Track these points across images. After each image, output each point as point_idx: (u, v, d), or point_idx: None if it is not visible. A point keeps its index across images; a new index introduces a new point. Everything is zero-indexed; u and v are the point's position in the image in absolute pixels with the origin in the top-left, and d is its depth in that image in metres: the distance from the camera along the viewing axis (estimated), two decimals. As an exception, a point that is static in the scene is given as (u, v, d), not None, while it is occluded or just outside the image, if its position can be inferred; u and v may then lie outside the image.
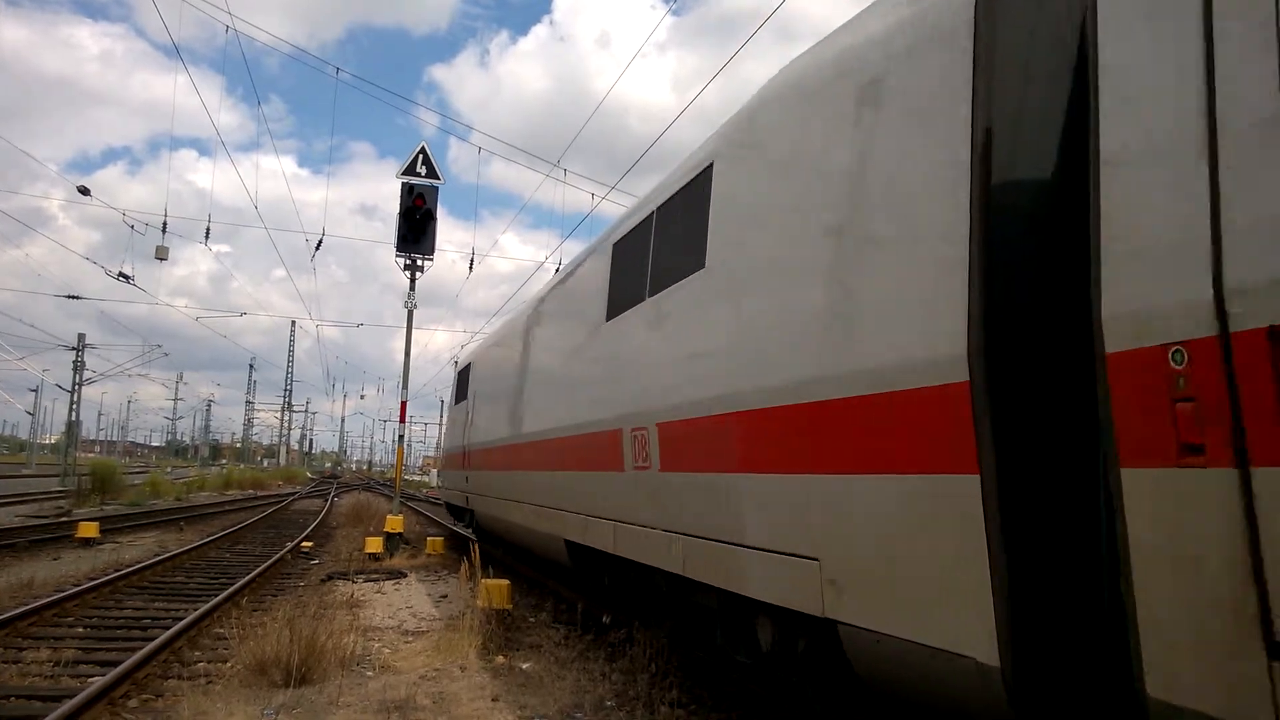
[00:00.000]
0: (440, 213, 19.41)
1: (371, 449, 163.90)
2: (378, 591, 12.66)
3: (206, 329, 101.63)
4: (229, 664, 7.88)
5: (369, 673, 7.74)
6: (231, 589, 11.54)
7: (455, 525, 22.76)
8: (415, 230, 18.59)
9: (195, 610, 9.93)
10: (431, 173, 18.85)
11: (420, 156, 18.94)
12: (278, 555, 15.96)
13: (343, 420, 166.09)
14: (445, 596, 12.19)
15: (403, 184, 18.67)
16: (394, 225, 18.95)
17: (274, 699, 6.69)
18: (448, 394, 23.81)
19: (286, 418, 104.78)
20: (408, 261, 18.92)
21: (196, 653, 8.56)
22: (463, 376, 18.23)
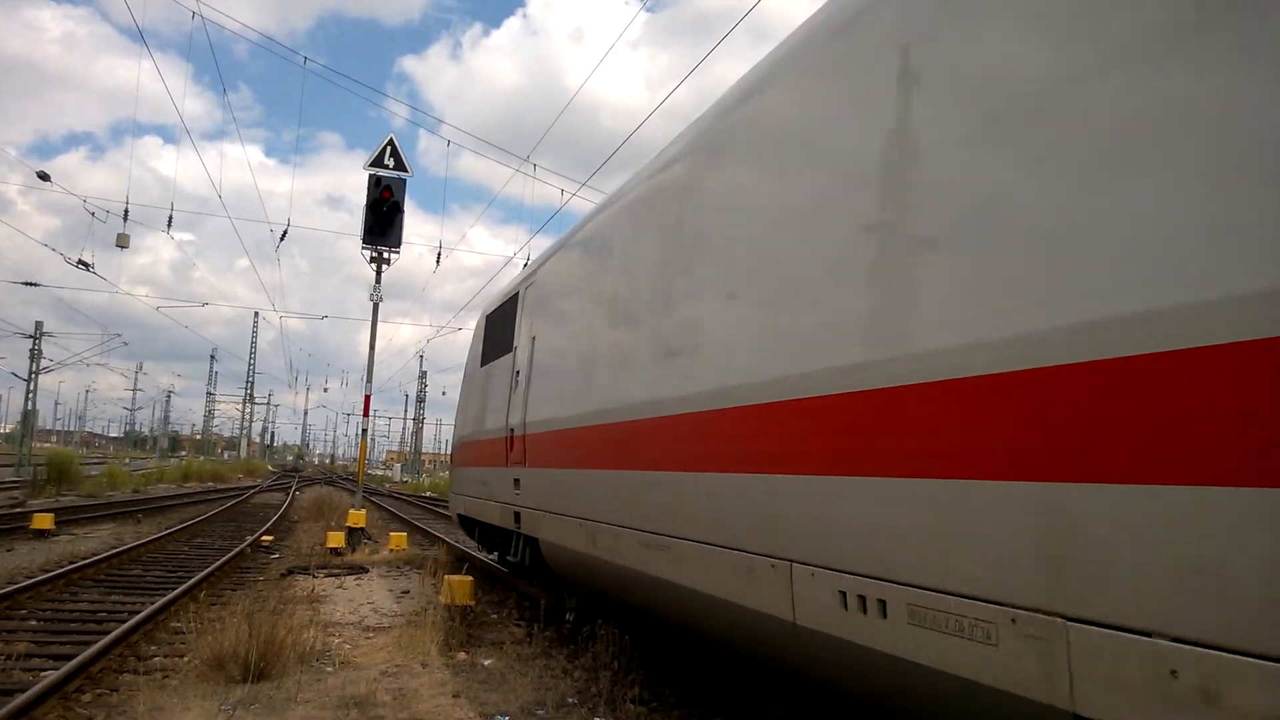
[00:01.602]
0: (408, 205, 19.30)
1: (334, 443, 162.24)
2: (339, 587, 12.55)
3: (167, 319, 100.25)
4: (186, 659, 7.78)
5: (329, 668, 7.68)
6: (189, 583, 11.39)
7: (484, 555, 14.97)
8: (382, 222, 18.46)
9: (152, 604, 9.79)
10: (400, 165, 18.72)
11: (388, 148, 18.80)
12: (237, 549, 15.76)
13: (305, 413, 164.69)
14: (407, 592, 12.11)
15: (370, 175, 18.53)
16: (361, 217, 18.77)
17: (232, 694, 6.62)
18: (458, 373, 21.86)
19: (248, 410, 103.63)
20: (374, 254, 18.78)
21: (153, 647, 8.44)
22: (503, 316, 11.13)
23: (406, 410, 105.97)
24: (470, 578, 10.07)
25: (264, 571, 13.97)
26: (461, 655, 8.16)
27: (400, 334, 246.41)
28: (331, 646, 8.48)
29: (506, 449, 9.94)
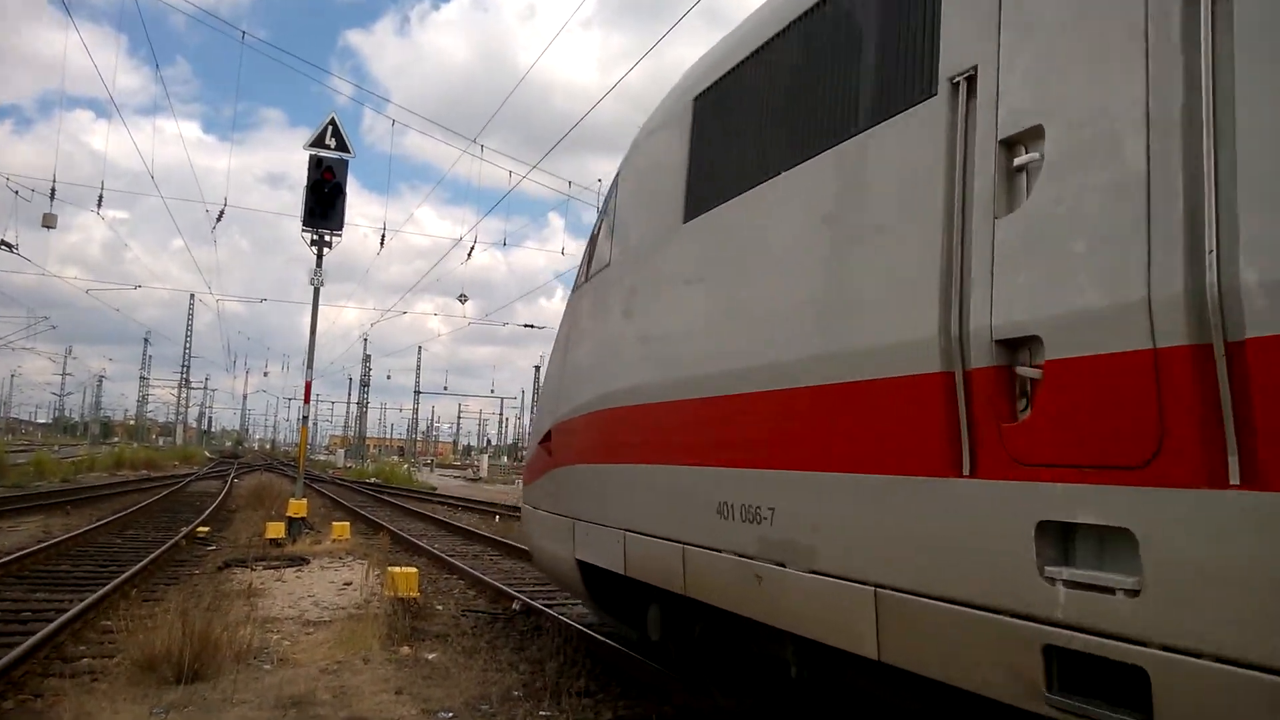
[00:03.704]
0: (352, 184, 18.82)
1: (275, 427, 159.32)
2: (278, 580, 12.25)
3: (98, 301, 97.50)
4: (116, 660, 7.50)
5: (267, 666, 7.46)
6: (120, 578, 11.02)
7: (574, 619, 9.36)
8: (323, 205, 17.95)
9: (80, 601, 9.44)
10: (342, 145, 18.23)
11: (330, 128, 18.30)
12: (172, 541, 15.34)
13: (245, 397, 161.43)
14: (349, 584, 11.87)
15: (311, 156, 18.04)
16: (302, 196, 18.25)
17: (164, 697, 6.39)
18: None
19: (184, 395, 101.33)
20: (315, 237, 18.30)
21: (81, 647, 8.13)
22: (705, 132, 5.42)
23: (350, 394, 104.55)
24: (415, 569, 9.90)
25: (200, 565, 13.60)
26: (405, 649, 8.00)
27: (344, 316, 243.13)
28: (270, 643, 8.26)
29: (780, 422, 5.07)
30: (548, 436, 7.56)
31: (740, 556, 4.36)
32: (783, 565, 4.01)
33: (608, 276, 6.62)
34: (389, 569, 9.84)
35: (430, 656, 7.81)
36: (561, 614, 9.73)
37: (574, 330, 7.53)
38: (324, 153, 17.94)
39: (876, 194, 3.75)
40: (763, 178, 4.57)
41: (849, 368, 3.69)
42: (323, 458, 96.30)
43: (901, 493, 3.39)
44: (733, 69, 5.11)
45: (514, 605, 10.26)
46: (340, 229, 18.28)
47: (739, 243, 4.78)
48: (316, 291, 18.33)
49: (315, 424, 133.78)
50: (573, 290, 7.89)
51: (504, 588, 11.18)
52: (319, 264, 18.16)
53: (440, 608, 10.28)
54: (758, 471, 4.28)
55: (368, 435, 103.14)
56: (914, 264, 3.41)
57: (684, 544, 4.88)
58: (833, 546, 3.76)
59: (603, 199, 7.40)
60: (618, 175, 6.90)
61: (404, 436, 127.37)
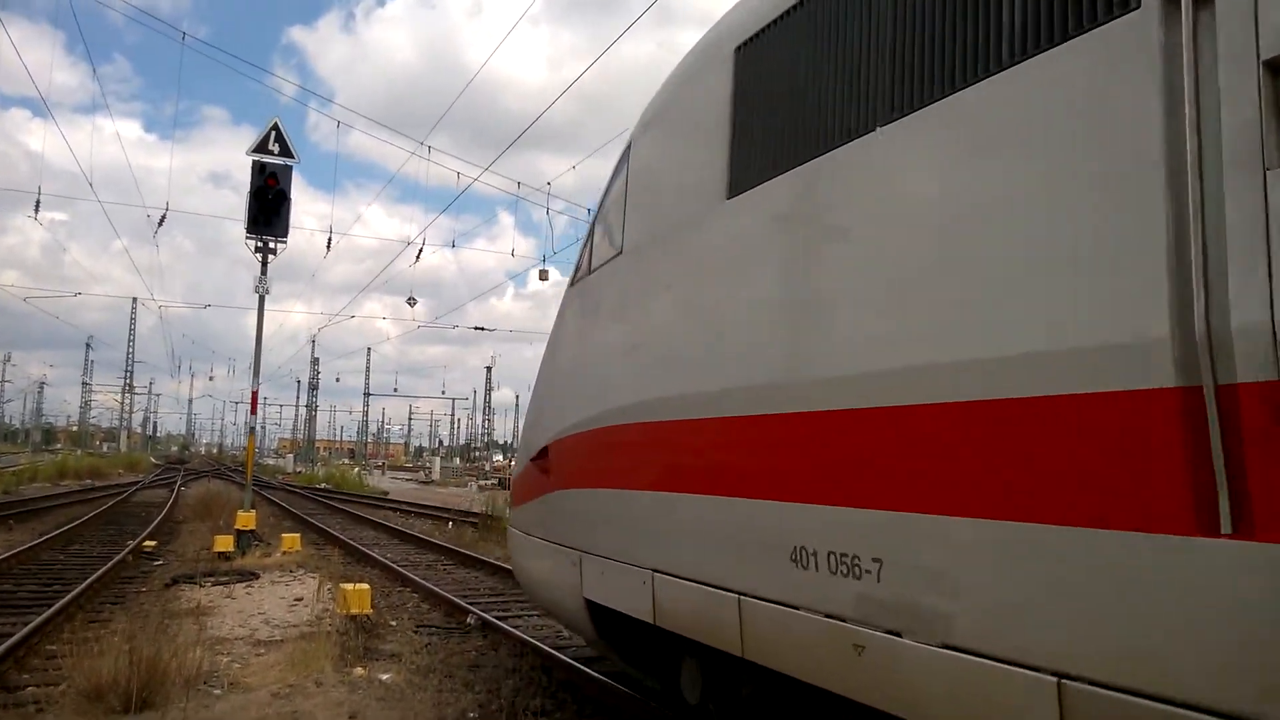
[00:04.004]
0: (299, 183, 18.66)
1: (222, 432, 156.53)
2: (228, 596, 12.08)
3: (37, 307, 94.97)
4: (61, 688, 7.36)
5: (217, 691, 7.37)
6: (66, 599, 10.78)
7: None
8: (267, 211, 17.72)
9: (25, 625, 9.23)
10: (285, 151, 18.02)
11: (273, 133, 18.07)
12: (118, 557, 15.01)
13: (190, 402, 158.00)
14: (300, 599, 11.74)
15: (254, 162, 17.79)
16: (245, 202, 17.96)
17: (111, 729, 6.29)
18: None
19: (128, 400, 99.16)
20: (259, 244, 18.05)
21: (25, 675, 7.96)
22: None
23: (299, 397, 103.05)
24: (367, 585, 9.83)
25: (147, 582, 13.34)
26: (359, 671, 7.95)
27: (291, 318, 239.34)
28: (220, 666, 8.15)
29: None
30: (543, 454, 6.60)
31: (829, 618, 3.43)
32: (897, 635, 3.12)
33: (620, 267, 5.65)
34: (341, 586, 9.76)
35: (384, 677, 7.77)
36: (517, 627, 9.75)
37: (575, 330, 6.54)
38: (267, 158, 17.73)
39: (1042, 146, 2.82)
40: (846, 136, 3.66)
41: (1018, 379, 2.76)
42: (272, 461, 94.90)
43: (1109, 552, 2.46)
44: (796, 5, 4.17)
45: (469, 619, 10.24)
46: (285, 236, 18.07)
47: (817, 219, 3.82)
48: (261, 300, 18.08)
49: (263, 427, 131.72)
50: (569, 285, 6.82)
51: (458, 601, 11.16)
52: (263, 272, 17.92)
53: (394, 623, 10.23)
54: (857, 512, 3.32)
55: (318, 438, 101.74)
56: (1118, 239, 2.55)
57: (740, 594, 3.95)
58: (986, 617, 2.83)
59: (612, 175, 6.17)
60: (627, 149, 5.88)
61: (354, 439, 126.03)
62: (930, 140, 3.28)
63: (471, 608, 10.67)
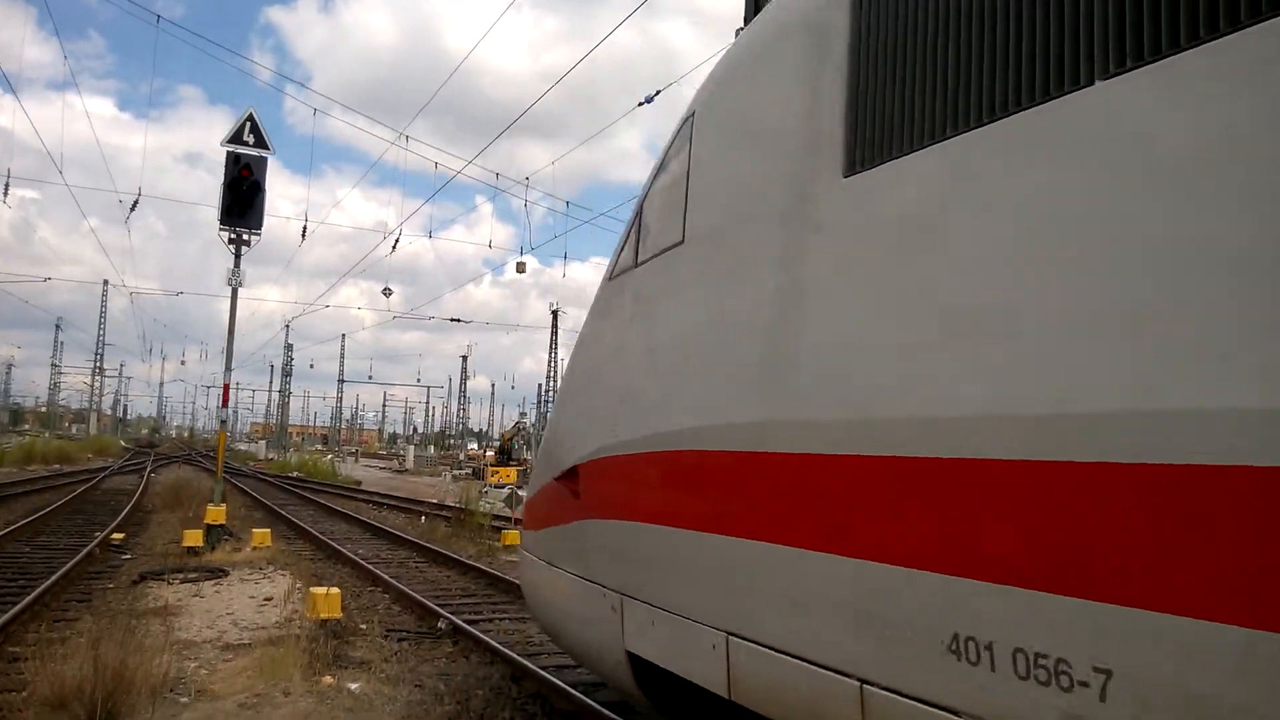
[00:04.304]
0: (274, 166, 18.40)
1: (193, 415, 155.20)
2: (196, 595, 11.99)
3: (5, 291, 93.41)
4: (24, 694, 7.28)
5: (184, 699, 7.33)
6: (31, 596, 10.65)
7: None
8: (241, 203, 17.51)
9: (-14, 627, 9.12)
10: (260, 142, 17.81)
11: (248, 124, 17.85)
12: (85, 550, 14.87)
13: (161, 385, 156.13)
14: (270, 599, 11.66)
15: (228, 153, 17.57)
16: (219, 193, 17.72)
17: (75, 740, 6.23)
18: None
19: (99, 383, 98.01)
20: (232, 235, 17.85)
21: (-14, 680, 7.87)
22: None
23: (272, 382, 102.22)
24: (337, 590, 9.79)
25: (114, 577, 13.22)
26: (327, 679, 7.92)
27: (265, 305, 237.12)
28: (187, 672, 8.10)
29: None
30: (572, 473, 5.75)
31: None
32: None
33: (681, 258, 4.70)
34: (311, 590, 9.71)
35: (353, 687, 7.74)
36: (488, 633, 9.74)
37: (620, 330, 5.53)
38: (242, 149, 17.52)
39: None
40: (1036, 97, 2.71)
41: None
42: (244, 447, 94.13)
43: None
44: None
45: (440, 624, 10.22)
46: (259, 228, 17.88)
47: (1000, 199, 2.84)
48: (234, 293, 17.89)
49: (236, 411, 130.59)
50: (607, 278, 5.83)
51: (430, 604, 11.12)
52: (237, 264, 17.72)
53: (364, 627, 10.19)
54: (1068, 601, 2.41)
55: (291, 423, 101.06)
56: None
57: (863, 682, 3.08)
58: None
59: (665, 151, 5.24)
60: (689, 119, 4.88)
61: (328, 424, 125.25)
62: (1191, 94, 2.30)
63: (442, 611, 10.64)
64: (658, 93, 18.20)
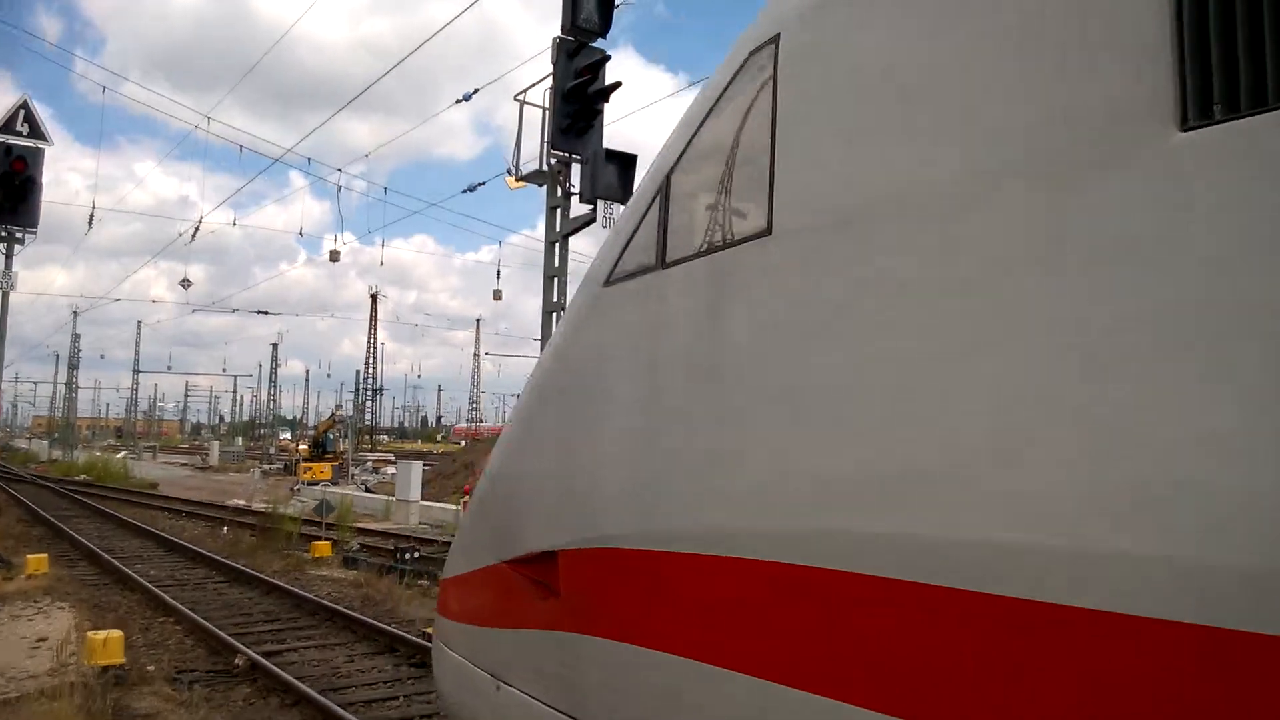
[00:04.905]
0: (64, 138, 16.98)
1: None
2: (-42, 638, 10.95)
3: None
4: None
5: (-64, 775, 6.70)
6: None
7: None
8: (14, 199, 16.09)
9: None
10: (36, 132, 16.43)
11: (22, 112, 16.45)
12: None
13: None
14: (44, 639, 10.78)
15: (-2, 143, 16.07)
16: None
17: None
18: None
19: None
20: (3, 234, 16.37)
21: None
22: None
23: (57, 374, 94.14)
24: (119, 632, 9.17)
25: None
26: (106, 738, 7.43)
27: (52, 284, 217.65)
28: (-59, 739, 7.40)
29: None
30: (544, 559, 3.89)
31: None
32: None
33: (775, 255, 2.93)
34: (88, 635, 9.05)
35: (135, 746, 7.30)
36: (291, 665, 9.39)
37: (649, 359, 3.61)
38: (14, 140, 16.09)
39: None
40: None
41: None
42: (26, 444, 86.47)
43: None
44: None
45: (237, 660, 9.77)
46: (35, 226, 16.52)
47: None
48: (5, 296, 16.41)
49: (15, 406, 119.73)
50: (606, 279, 3.93)
51: (227, 638, 10.60)
52: (8, 265, 16.28)
53: (152, 669, 9.59)
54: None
55: (80, 416, 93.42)
56: None
57: None
58: None
59: (720, 86, 3.42)
60: (775, 40, 3.07)
61: (121, 416, 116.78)
62: None
63: (239, 645, 10.16)
64: (476, 91, 17.91)
